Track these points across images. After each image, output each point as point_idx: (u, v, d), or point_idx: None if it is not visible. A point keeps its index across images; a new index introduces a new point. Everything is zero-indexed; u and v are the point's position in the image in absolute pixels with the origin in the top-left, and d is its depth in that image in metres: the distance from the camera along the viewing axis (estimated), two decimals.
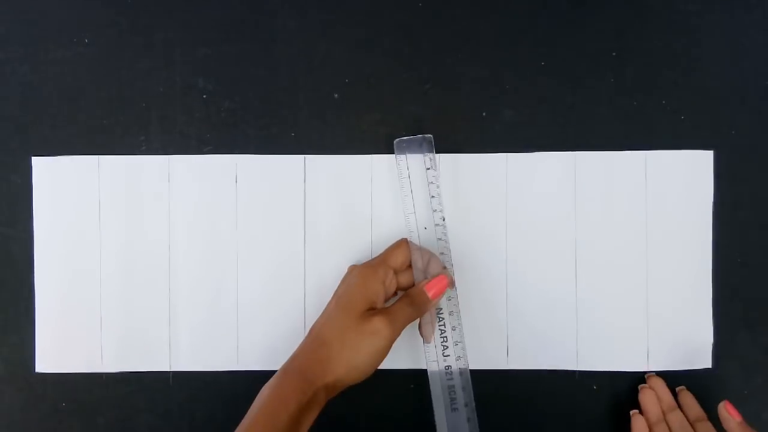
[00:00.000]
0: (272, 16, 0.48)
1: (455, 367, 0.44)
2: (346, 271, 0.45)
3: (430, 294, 0.42)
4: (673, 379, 0.46)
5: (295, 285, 0.47)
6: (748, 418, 0.47)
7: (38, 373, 0.47)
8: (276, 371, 0.41)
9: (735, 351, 0.47)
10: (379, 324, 0.40)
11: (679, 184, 0.47)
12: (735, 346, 0.47)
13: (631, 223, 0.47)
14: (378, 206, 0.47)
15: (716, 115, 0.47)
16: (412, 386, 0.47)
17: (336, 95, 0.48)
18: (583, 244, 0.47)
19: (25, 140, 0.48)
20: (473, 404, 0.43)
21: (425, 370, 0.44)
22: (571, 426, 0.47)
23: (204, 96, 0.48)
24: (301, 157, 0.47)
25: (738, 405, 0.47)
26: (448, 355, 0.44)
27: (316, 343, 0.41)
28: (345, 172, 0.47)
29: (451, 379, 0.44)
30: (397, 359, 0.45)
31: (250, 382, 0.40)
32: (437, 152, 0.46)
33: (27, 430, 0.48)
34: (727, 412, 0.43)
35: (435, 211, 0.44)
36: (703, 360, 0.47)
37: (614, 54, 0.47)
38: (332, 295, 0.44)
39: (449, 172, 0.47)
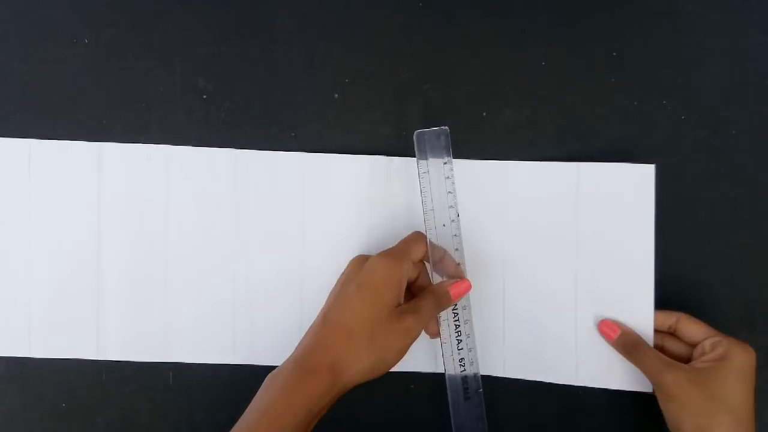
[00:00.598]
0: (272, 16, 0.48)
1: (468, 357, 0.44)
2: (349, 262, 0.44)
3: (452, 293, 0.43)
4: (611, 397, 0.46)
5: (293, 284, 0.47)
6: None
7: (37, 373, 0.47)
8: (270, 364, 0.41)
9: None
10: (411, 322, 0.40)
11: (619, 196, 0.45)
12: None
13: (564, 235, 0.46)
14: (377, 205, 0.47)
15: (716, 115, 0.47)
16: (411, 386, 0.47)
17: (336, 95, 0.48)
18: (510, 259, 0.47)
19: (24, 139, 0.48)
20: (481, 390, 0.45)
21: (423, 373, 0.45)
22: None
23: (204, 96, 0.48)
24: (300, 154, 0.47)
25: None
26: (462, 348, 0.44)
27: (342, 335, 0.40)
28: (343, 172, 0.47)
29: (464, 369, 0.44)
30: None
31: (250, 382, 0.39)
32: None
33: (26, 431, 0.48)
34: (600, 331, 0.44)
35: (451, 207, 0.44)
36: (646, 383, 0.44)
37: (614, 54, 0.47)
38: (344, 281, 0.43)
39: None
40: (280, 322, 0.47)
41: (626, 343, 0.44)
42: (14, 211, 0.47)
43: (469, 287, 0.44)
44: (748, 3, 0.47)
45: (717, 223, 0.47)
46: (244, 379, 0.47)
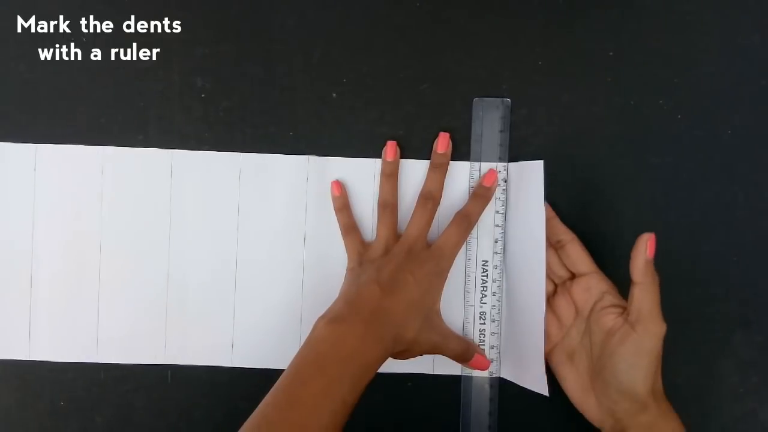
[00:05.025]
0: (270, 15, 0.48)
1: (489, 314, 0.47)
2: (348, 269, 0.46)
3: (474, 359, 0.45)
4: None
5: (293, 283, 0.48)
6: (744, 416, 0.47)
7: (35, 372, 0.48)
8: (268, 366, 0.41)
9: (730, 349, 0.47)
10: (446, 333, 0.44)
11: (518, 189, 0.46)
12: (731, 345, 0.47)
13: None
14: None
15: (713, 115, 0.47)
16: (409, 384, 0.48)
17: (334, 95, 0.48)
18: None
19: (23, 139, 0.48)
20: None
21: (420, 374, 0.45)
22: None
23: (202, 95, 0.48)
24: (304, 157, 0.47)
25: (734, 404, 0.47)
26: (485, 303, 0.47)
27: (403, 304, 0.42)
28: (347, 173, 0.47)
29: (484, 323, 0.47)
30: (396, 364, 0.45)
31: (249, 380, 0.40)
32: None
33: (25, 430, 0.48)
34: (646, 245, 0.40)
35: (497, 212, 0.47)
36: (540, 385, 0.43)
37: (611, 54, 0.47)
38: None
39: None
40: (278, 323, 0.47)
41: (651, 270, 0.40)
42: (18, 214, 0.47)
43: (485, 368, 0.46)
44: (743, 3, 0.47)
45: (712, 222, 0.47)
46: (243, 378, 0.47)
